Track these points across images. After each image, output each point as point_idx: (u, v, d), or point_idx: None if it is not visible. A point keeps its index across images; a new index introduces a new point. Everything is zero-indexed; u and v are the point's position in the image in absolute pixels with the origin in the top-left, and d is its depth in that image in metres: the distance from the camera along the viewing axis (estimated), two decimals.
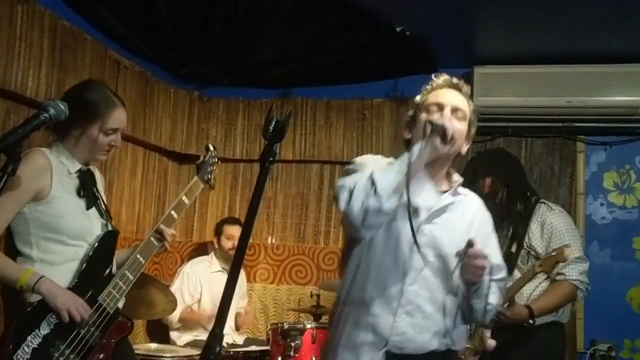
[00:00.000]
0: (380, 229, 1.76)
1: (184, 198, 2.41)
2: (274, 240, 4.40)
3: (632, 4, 3.15)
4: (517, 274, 2.74)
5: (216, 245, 4.06)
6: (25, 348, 1.93)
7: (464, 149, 1.87)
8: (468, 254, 1.67)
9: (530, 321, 2.65)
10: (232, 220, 4.11)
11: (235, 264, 1.23)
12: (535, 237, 2.78)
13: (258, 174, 1.30)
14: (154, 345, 3.54)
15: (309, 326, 3.22)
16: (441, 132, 1.70)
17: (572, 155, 4.05)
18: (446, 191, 1.86)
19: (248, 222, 1.25)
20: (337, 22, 3.44)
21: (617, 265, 3.93)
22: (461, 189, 1.91)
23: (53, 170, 2.06)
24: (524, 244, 2.79)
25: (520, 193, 2.88)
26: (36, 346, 1.95)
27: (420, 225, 1.77)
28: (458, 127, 1.79)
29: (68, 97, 2.12)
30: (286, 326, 3.22)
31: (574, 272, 2.72)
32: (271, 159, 1.30)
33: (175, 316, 3.78)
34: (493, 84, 3.93)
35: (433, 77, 1.92)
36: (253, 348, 3.51)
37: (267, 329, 3.41)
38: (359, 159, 1.85)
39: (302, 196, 4.39)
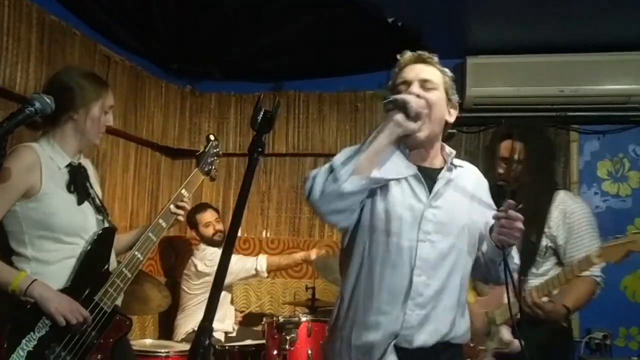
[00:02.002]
0: (364, 216, 1.75)
1: (183, 191, 2.38)
2: (268, 234, 4.39)
3: None
4: (533, 269, 2.53)
5: (198, 238, 3.98)
6: (20, 351, 1.91)
7: (450, 117, 1.82)
8: (508, 216, 1.66)
9: (564, 324, 2.47)
10: (201, 208, 4.02)
11: (223, 257, 1.22)
12: (557, 226, 2.55)
13: (247, 165, 1.28)
14: (148, 341, 3.53)
15: (304, 319, 3.22)
16: (401, 106, 1.66)
17: (565, 144, 4.05)
18: (441, 169, 1.82)
19: (237, 213, 1.24)
20: (328, 14, 3.43)
21: None
22: (457, 161, 1.87)
23: (42, 166, 2.02)
24: (545, 235, 2.55)
25: (548, 174, 2.66)
26: (31, 349, 1.92)
27: (424, 212, 1.74)
28: (429, 95, 1.74)
29: (56, 85, 2.10)
30: (281, 320, 3.22)
31: (598, 268, 2.50)
32: (260, 149, 1.29)
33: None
34: (485, 74, 3.93)
35: (398, 56, 1.87)
36: (249, 342, 3.51)
37: (263, 322, 3.40)
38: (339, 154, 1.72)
39: (296, 190, 4.37)
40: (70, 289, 2.02)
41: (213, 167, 2.56)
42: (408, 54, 1.84)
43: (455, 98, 1.84)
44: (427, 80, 1.77)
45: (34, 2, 2.91)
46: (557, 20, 3.53)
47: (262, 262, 3.88)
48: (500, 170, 2.60)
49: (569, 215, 2.54)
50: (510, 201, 1.68)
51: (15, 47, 2.81)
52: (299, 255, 3.93)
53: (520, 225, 1.67)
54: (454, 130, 4.05)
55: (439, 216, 1.74)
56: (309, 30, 3.63)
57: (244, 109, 4.40)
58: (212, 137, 2.59)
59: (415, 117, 1.67)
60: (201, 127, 4.41)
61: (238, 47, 3.88)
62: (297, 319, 3.23)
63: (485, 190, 1.91)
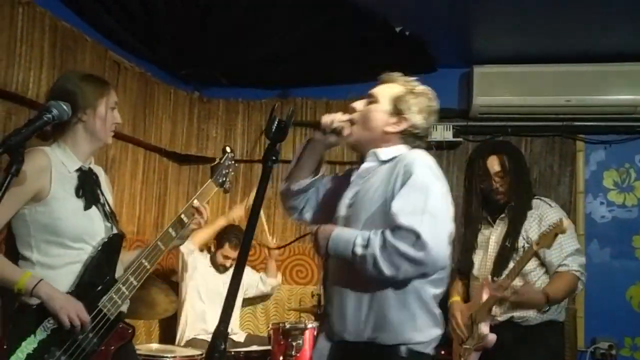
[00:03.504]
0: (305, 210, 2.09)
1: (195, 202, 2.36)
2: (275, 241, 4.40)
3: (630, 3, 3.17)
4: (512, 264, 2.76)
5: (213, 250, 4.01)
6: (20, 353, 1.89)
7: (391, 127, 1.90)
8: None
9: (546, 308, 2.65)
10: (234, 240, 3.96)
11: (239, 262, 1.24)
12: (533, 230, 2.79)
13: (261, 173, 1.30)
14: (155, 346, 3.55)
15: (310, 326, 3.23)
16: (315, 125, 1.92)
17: (571, 154, 4.06)
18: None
19: (251, 221, 1.26)
20: (336, 22, 3.45)
21: (616, 264, 3.94)
22: (389, 154, 1.89)
23: (53, 170, 2.02)
24: (522, 237, 2.80)
25: (522, 185, 2.91)
26: (31, 351, 1.91)
27: (339, 207, 1.91)
28: (364, 108, 1.95)
29: (57, 91, 2.11)
30: (287, 326, 3.23)
31: (575, 263, 2.75)
32: (274, 158, 1.31)
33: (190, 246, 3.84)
34: (492, 84, 3.94)
35: None
36: (254, 348, 3.52)
37: (269, 328, 3.41)
38: None
39: None
40: (73, 294, 2.01)
41: (227, 179, 2.55)
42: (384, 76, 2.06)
43: (409, 112, 1.91)
44: (370, 95, 1.99)
45: (47, 10, 2.94)
46: (564, 30, 3.55)
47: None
48: (497, 186, 2.90)
49: (544, 218, 2.79)
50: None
51: (28, 53, 2.84)
52: (222, 221, 4.03)
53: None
54: (460, 139, 4.13)
55: (348, 211, 1.88)
56: (316, 37, 3.66)
57: (252, 116, 4.43)
58: (227, 149, 2.57)
59: (333, 132, 1.91)
60: (209, 133, 4.43)
61: (246, 54, 3.90)
62: (303, 325, 3.24)
63: (399, 177, 1.77)
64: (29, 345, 1.91)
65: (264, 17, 3.43)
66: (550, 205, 2.88)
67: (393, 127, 1.91)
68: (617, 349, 3.82)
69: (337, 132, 1.90)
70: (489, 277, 2.79)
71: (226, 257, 3.94)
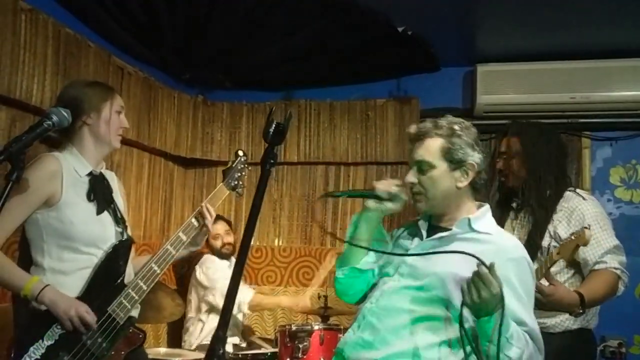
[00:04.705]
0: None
1: (205, 205, 2.39)
2: (280, 243, 4.41)
3: None
4: (535, 266, 2.39)
5: (207, 249, 3.98)
6: (27, 359, 1.90)
7: (462, 182, 1.85)
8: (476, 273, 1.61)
9: (580, 310, 2.26)
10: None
11: (237, 266, 1.24)
12: (562, 226, 2.45)
13: (259, 176, 1.31)
14: (163, 350, 3.55)
15: (316, 327, 3.22)
16: (370, 194, 1.87)
17: (577, 151, 4.04)
18: (445, 229, 1.88)
19: (250, 224, 1.26)
20: (338, 22, 3.45)
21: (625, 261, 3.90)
22: (483, 227, 1.87)
23: (64, 175, 2.05)
24: (549, 234, 2.46)
25: (543, 171, 2.53)
26: (39, 357, 1.92)
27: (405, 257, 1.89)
28: (423, 179, 1.84)
29: (62, 98, 2.15)
30: (294, 328, 3.22)
31: (615, 260, 2.40)
32: (272, 161, 1.31)
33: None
34: (496, 82, 3.93)
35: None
36: (261, 350, 3.52)
37: (275, 331, 3.41)
38: None
39: (307, 198, 4.39)
40: (82, 299, 2.02)
41: (240, 183, 2.56)
42: (411, 129, 1.91)
43: (468, 157, 1.83)
44: (420, 162, 1.85)
45: (49, 16, 2.96)
46: (568, 27, 3.53)
47: (246, 295, 3.79)
48: (499, 166, 2.64)
49: (577, 214, 2.45)
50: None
51: (32, 60, 2.85)
52: (286, 302, 3.99)
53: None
54: None
55: (418, 262, 1.85)
56: (319, 38, 3.66)
57: (256, 118, 4.43)
58: (240, 153, 2.59)
59: (391, 198, 1.85)
60: (213, 137, 4.44)
61: (249, 56, 3.91)
62: (309, 327, 3.23)
63: (511, 275, 1.76)
64: (36, 350, 1.92)
65: (266, 19, 3.43)
66: (583, 197, 2.49)
67: (463, 181, 1.85)
68: (627, 347, 3.80)
69: (394, 198, 1.84)
70: None
71: (217, 236, 3.93)
